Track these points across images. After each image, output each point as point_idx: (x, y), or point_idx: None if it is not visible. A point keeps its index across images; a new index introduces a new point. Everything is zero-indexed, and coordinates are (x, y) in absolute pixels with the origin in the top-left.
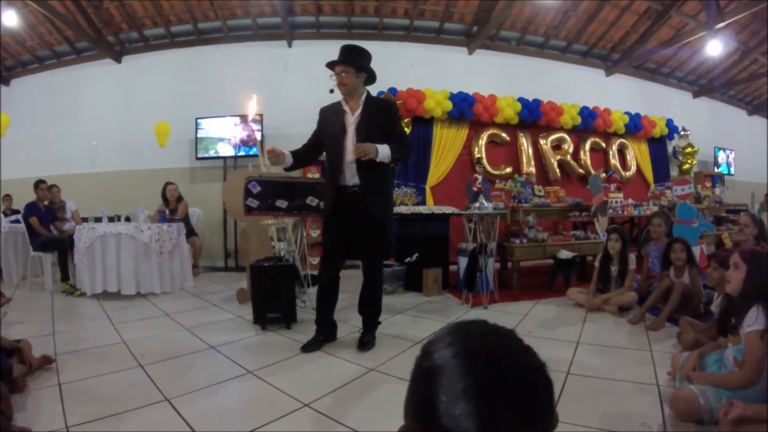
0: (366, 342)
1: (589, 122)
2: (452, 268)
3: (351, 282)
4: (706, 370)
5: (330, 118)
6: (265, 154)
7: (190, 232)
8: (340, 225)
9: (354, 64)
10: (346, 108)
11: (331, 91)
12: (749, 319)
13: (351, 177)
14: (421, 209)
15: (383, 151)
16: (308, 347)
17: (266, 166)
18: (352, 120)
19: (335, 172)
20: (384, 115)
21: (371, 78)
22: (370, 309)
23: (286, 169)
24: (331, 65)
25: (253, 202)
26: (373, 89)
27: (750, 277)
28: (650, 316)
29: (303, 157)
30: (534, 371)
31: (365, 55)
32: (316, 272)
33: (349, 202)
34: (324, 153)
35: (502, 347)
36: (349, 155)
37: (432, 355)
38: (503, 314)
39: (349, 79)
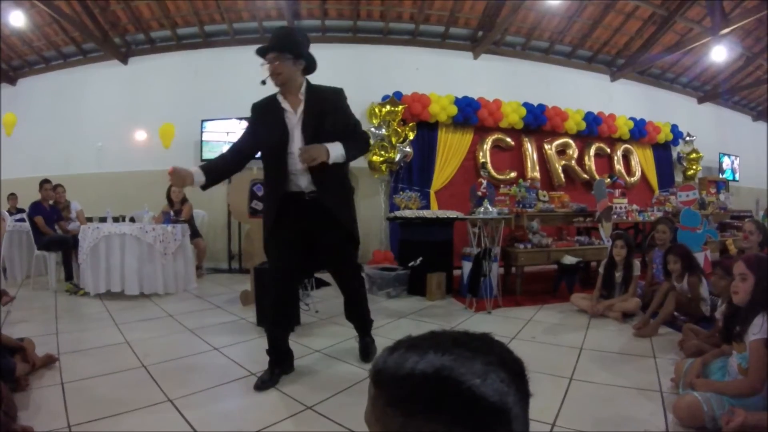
0: (369, 350)
1: (594, 128)
2: (456, 272)
3: None
4: (709, 377)
5: (266, 119)
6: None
7: (195, 234)
8: (295, 236)
9: (290, 49)
10: (285, 105)
11: (263, 82)
12: (754, 327)
13: (307, 184)
14: (425, 213)
15: (335, 152)
16: (264, 385)
17: None
18: (295, 120)
19: (281, 181)
20: (332, 107)
21: (311, 66)
22: (360, 315)
23: (203, 188)
24: (262, 52)
25: (258, 205)
26: (378, 93)
27: (759, 286)
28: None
29: (226, 168)
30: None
31: (303, 39)
32: (319, 275)
33: (306, 210)
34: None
35: (459, 332)
36: (298, 163)
37: (417, 369)
38: (506, 319)
39: (285, 67)
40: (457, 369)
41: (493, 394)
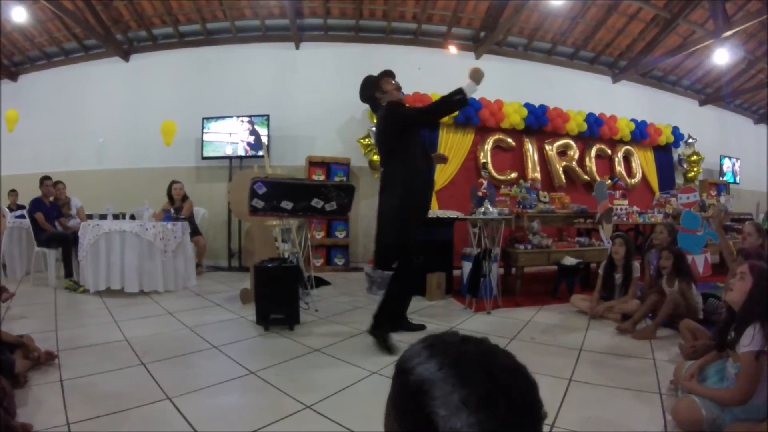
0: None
1: (595, 129)
2: (456, 272)
3: (352, 285)
4: (707, 380)
5: None
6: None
7: (195, 231)
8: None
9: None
10: None
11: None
12: (745, 338)
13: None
14: None
15: None
16: (394, 347)
17: (272, 167)
18: None
19: (428, 175)
20: None
21: None
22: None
23: (466, 102)
24: (392, 75)
25: (259, 203)
26: None
27: (753, 292)
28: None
29: None
30: (522, 374)
31: None
32: (319, 274)
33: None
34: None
35: (488, 354)
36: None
37: (413, 371)
38: (506, 320)
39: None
40: (434, 390)
41: None
